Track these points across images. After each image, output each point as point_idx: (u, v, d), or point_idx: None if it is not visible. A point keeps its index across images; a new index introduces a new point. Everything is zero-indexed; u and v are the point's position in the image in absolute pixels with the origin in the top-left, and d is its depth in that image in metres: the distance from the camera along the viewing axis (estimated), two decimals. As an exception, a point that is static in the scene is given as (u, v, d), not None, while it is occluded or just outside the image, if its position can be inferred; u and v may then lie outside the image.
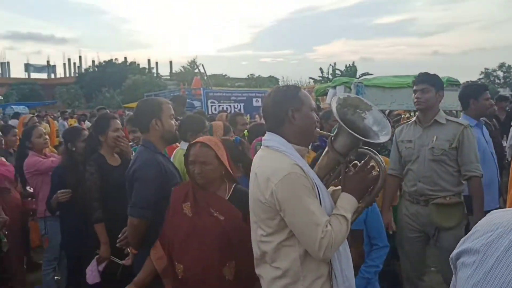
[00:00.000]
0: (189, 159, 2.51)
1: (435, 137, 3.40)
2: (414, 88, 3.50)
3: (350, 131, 1.92)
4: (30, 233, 4.64)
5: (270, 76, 53.91)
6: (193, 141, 2.58)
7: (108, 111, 8.64)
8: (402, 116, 7.83)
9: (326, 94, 7.57)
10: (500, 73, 65.96)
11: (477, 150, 3.45)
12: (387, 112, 8.01)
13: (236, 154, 3.18)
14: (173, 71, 62.17)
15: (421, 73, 3.54)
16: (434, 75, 3.51)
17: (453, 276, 1.07)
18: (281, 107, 1.99)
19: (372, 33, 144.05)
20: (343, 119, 1.97)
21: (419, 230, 3.55)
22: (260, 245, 1.99)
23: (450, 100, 7.10)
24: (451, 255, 1.07)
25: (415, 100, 3.48)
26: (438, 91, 3.44)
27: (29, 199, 4.66)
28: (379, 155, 2.09)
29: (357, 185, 1.99)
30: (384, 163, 2.07)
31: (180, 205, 2.50)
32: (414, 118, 3.63)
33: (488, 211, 3.86)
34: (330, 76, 36.81)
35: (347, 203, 1.94)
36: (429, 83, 3.42)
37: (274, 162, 1.92)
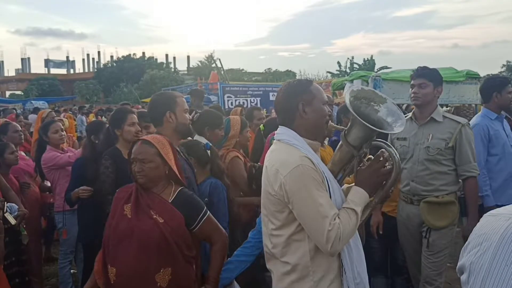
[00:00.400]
0: (130, 157, 2.42)
1: (430, 135, 3.28)
2: (412, 82, 3.38)
3: (362, 121, 1.89)
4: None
5: (287, 70, 53.69)
6: (136, 139, 2.53)
7: (131, 106, 8.73)
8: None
9: (343, 88, 7.51)
10: (523, 66, 64.51)
11: (475, 148, 3.35)
12: (405, 105, 7.92)
13: (204, 156, 3.27)
14: (191, 65, 62.39)
15: (419, 67, 3.41)
16: (434, 69, 3.38)
17: None
18: (292, 101, 1.98)
19: (391, 26, 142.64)
20: (356, 112, 1.94)
21: (416, 232, 3.41)
22: (271, 238, 1.98)
23: (470, 93, 7.00)
24: (456, 267, 1.04)
25: (412, 95, 3.36)
26: (437, 87, 3.30)
27: (47, 193, 4.72)
28: (393, 148, 2.05)
29: (369, 179, 1.96)
30: (398, 156, 2.03)
31: (122, 206, 2.40)
32: (410, 114, 3.46)
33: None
34: (347, 70, 36.49)
35: (358, 196, 1.92)
36: (427, 77, 3.29)
37: (284, 154, 1.91)
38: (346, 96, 2.02)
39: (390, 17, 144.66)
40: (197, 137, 3.76)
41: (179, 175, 2.47)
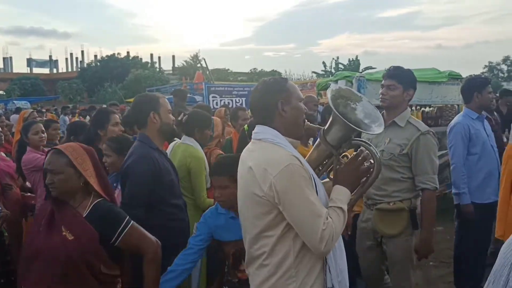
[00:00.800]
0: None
1: (388, 139, 3.14)
2: (382, 82, 3.26)
3: (345, 120, 1.90)
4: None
5: (272, 70, 53.77)
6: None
7: (119, 106, 8.64)
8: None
9: (327, 88, 7.54)
10: (504, 67, 65.74)
11: (456, 146, 3.25)
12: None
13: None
14: (176, 65, 62.11)
15: (392, 67, 3.27)
16: (407, 71, 3.24)
17: None
18: (270, 100, 1.96)
19: (376, 26, 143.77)
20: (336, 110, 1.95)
21: (372, 237, 3.26)
22: (257, 241, 1.94)
23: (452, 94, 7.09)
24: None
25: (380, 96, 3.23)
26: (407, 90, 3.14)
27: (28, 194, 4.65)
28: (373, 146, 2.08)
29: (349, 177, 1.97)
30: (379, 154, 2.06)
31: (41, 220, 2.23)
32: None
33: (489, 204, 3.85)
34: (333, 70, 36.66)
35: (342, 194, 1.92)
36: (397, 79, 3.13)
37: (271, 153, 1.88)
38: (328, 95, 2.04)
39: (375, 18, 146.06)
40: (185, 138, 3.75)
41: (98, 186, 2.25)
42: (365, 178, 2.03)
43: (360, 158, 1.98)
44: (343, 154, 2.06)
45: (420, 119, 7.33)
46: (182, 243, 2.70)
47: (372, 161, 2.02)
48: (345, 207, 1.89)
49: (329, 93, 2.03)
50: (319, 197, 1.87)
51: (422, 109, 7.66)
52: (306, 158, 2.09)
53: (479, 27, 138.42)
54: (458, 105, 7.24)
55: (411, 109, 7.70)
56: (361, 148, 2.03)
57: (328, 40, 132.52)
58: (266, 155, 1.89)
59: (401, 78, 3.15)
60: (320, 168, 2.12)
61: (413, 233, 3.12)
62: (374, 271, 3.32)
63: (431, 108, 7.67)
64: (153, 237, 2.35)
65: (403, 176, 3.11)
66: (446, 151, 5.26)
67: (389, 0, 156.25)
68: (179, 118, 3.73)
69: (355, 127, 1.91)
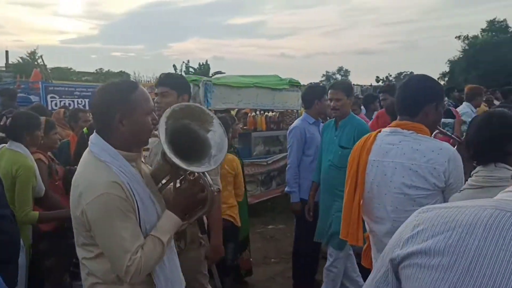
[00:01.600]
0: None
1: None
2: (155, 91, 3.10)
3: (174, 159, 1.74)
4: None
5: (120, 71, 51.72)
6: None
7: None
8: (249, 114, 8.11)
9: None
10: (339, 76, 73.27)
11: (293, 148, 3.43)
12: (235, 110, 8.22)
13: None
14: (10, 61, 55.99)
15: (162, 74, 3.21)
16: (179, 77, 3.25)
17: (380, 273, 1.06)
18: (108, 110, 1.77)
19: (225, 32, 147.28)
20: (175, 131, 1.80)
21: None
22: (82, 250, 1.82)
23: (292, 100, 7.57)
24: (387, 256, 1.05)
25: (156, 105, 2.94)
26: (182, 95, 2.99)
27: None
28: (209, 176, 1.94)
29: (183, 203, 1.87)
30: (213, 186, 1.94)
31: None
32: None
33: (318, 202, 4.02)
34: (183, 74, 36.69)
35: (169, 224, 1.82)
36: (170, 86, 2.98)
37: (91, 175, 1.73)
38: (167, 112, 1.82)
39: (224, 24, 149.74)
40: (11, 144, 3.32)
41: None
42: (201, 206, 1.94)
43: (196, 186, 1.87)
44: (182, 177, 1.95)
45: (264, 123, 7.72)
46: (10, 258, 2.45)
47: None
48: (166, 237, 1.78)
49: (166, 113, 1.82)
50: (147, 221, 1.78)
51: (266, 113, 8.05)
52: (151, 171, 1.99)
53: (318, 39, 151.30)
54: (297, 110, 7.75)
55: (255, 113, 8.05)
56: (198, 175, 1.91)
57: (179, 43, 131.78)
58: (85, 176, 1.75)
59: (174, 85, 3.02)
60: (161, 184, 2.01)
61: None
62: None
63: (273, 113, 8.11)
64: None
65: None
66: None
67: (237, 8, 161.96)
68: (1, 123, 3.30)
69: (181, 165, 1.76)
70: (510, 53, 39.78)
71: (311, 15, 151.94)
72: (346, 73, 75.31)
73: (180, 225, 1.87)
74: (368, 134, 2.53)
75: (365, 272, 3.42)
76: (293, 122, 5.10)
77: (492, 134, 1.95)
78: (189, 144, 1.86)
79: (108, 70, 54.41)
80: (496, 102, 8.22)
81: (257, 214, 6.78)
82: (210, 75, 29.27)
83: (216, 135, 1.90)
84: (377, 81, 52.11)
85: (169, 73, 3.23)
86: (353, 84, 12.23)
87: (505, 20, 47.41)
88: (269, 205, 7.31)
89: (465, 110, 6.32)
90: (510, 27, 46.65)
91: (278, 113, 8.04)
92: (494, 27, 47.45)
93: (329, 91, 3.99)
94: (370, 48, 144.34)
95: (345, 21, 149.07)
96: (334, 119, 4.05)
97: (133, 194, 1.75)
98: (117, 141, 1.79)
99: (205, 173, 1.89)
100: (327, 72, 74.06)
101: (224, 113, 5.56)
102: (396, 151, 2.27)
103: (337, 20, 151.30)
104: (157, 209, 1.86)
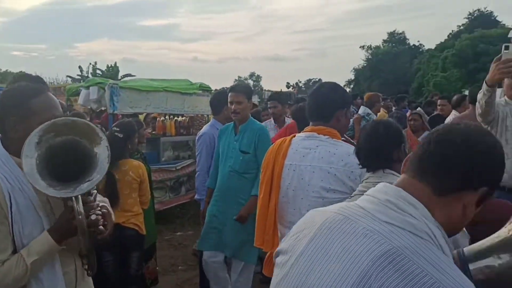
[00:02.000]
0: None
1: None
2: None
3: (29, 177, 1.57)
4: None
5: (21, 71, 48.29)
6: None
7: None
8: (158, 119, 7.95)
9: (78, 94, 7.11)
10: (251, 82, 74.50)
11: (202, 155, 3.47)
12: (144, 114, 8.02)
13: None
14: None
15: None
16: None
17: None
18: (3, 114, 1.71)
19: (137, 34, 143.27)
20: (56, 146, 1.65)
21: None
22: None
23: (203, 104, 7.54)
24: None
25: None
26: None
27: None
28: (81, 203, 1.68)
29: (61, 227, 1.71)
30: (81, 216, 1.67)
31: None
32: None
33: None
34: (90, 76, 35.08)
35: (41, 245, 1.67)
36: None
37: None
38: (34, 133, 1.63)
39: (135, 25, 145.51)
40: None
41: None
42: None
43: (70, 212, 1.68)
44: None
45: (173, 128, 7.61)
46: None
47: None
48: (31, 259, 1.63)
49: (38, 130, 1.63)
50: (24, 235, 1.65)
51: (175, 118, 7.94)
52: None
53: (231, 44, 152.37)
54: (208, 115, 7.74)
55: (164, 118, 7.91)
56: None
57: (86, 43, 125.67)
58: None
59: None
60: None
61: None
62: None
63: (183, 118, 8.02)
64: None
65: None
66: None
67: (149, 9, 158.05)
68: None
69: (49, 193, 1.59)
70: (408, 63, 43.05)
71: (224, 20, 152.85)
72: (258, 78, 76.89)
73: (57, 250, 1.71)
74: (282, 138, 2.58)
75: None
76: (202, 127, 5.10)
77: (380, 142, 2.08)
78: (74, 162, 1.69)
79: (7, 70, 50.58)
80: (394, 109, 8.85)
81: (165, 221, 6.66)
82: (119, 77, 28.40)
83: (100, 157, 1.71)
84: (288, 87, 53.83)
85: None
86: (264, 90, 12.51)
87: (403, 32, 51.24)
88: (178, 211, 7.21)
89: (362, 110, 7.00)
90: (408, 39, 50.48)
91: (188, 118, 7.97)
92: (394, 38, 51.12)
93: (230, 94, 3.87)
94: (282, 54, 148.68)
95: (258, 27, 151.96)
96: (232, 123, 3.96)
97: (11, 204, 1.63)
98: (12, 146, 1.70)
99: (79, 198, 1.67)
100: (239, 77, 75.09)
101: (131, 118, 5.41)
102: (313, 155, 2.33)
103: (250, 26, 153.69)
104: (44, 224, 1.72)
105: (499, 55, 3.00)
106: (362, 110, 7.08)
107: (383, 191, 1.03)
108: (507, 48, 2.98)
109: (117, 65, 38.18)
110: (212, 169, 4.15)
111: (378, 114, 7.11)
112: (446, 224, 0.99)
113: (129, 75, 27.84)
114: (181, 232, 6.60)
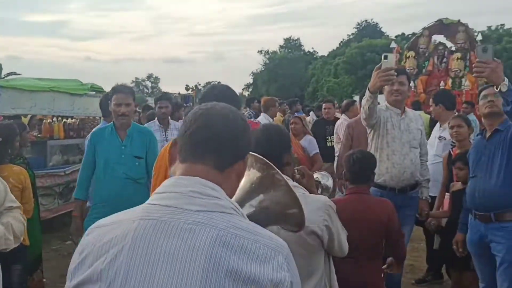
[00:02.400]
0: None
1: None
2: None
3: None
4: None
5: None
6: None
7: None
8: (45, 121, 7.48)
9: None
10: (149, 83, 72.96)
11: None
12: (29, 116, 7.48)
13: None
14: None
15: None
16: None
17: None
18: None
19: (22, 30, 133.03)
20: None
21: None
22: None
23: (94, 106, 7.23)
24: None
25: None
26: None
27: None
28: None
29: None
30: None
31: None
32: None
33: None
34: (-33, 73, 31.98)
35: None
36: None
37: None
38: None
39: (20, 20, 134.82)
40: None
41: None
42: None
43: None
44: None
45: (62, 131, 7.21)
46: None
47: None
48: None
49: None
50: None
51: (64, 120, 7.53)
52: None
53: (127, 44, 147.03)
54: (100, 117, 7.43)
55: (52, 120, 7.46)
56: None
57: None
58: None
59: None
60: None
61: None
62: None
63: (73, 120, 7.65)
64: None
65: None
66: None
67: (36, 3, 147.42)
68: None
69: None
70: (304, 69, 45.09)
71: (119, 19, 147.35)
72: (156, 80, 75.42)
73: None
74: (174, 139, 2.54)
75: None
76: (92, 128, 4.90)
77: (271, 147, 2.14)
78: None
79: None
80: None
81: (53, 230, 6.30)
82: (3, 76, 26.32)
83: None
84: (187, 89, 53.44)
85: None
86: (163, 92, 12.32)
87: (298, 38, 53.55)
88: (67, 219, 6.81)
89: (263, 120, 6.97)
90: (303, 46, 52.89)
91: (78, 120, 7.61)
92: (290, 44, 53.27)
93: (117, 96, 3.58)
94: (180, 56, 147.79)
95: (155, 28, 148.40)
96: (109, 126, 3.71)
97: None
98: None
99: None
100: (136, 78, 72.96)
101: (13, 120, 5.03)
102: None
103: (147, 27, 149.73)
104: None
105: (379, 64, 3.25)
106: (262, 119, 7.13)
107: (182, 184, 1.06)
108: (385, 57, 3.25)
109: (0, 63, 35.28)
110: (79, 179, 3.82)
111: (274, 118, 7.24)
112: (230, 195, 1.13)
113: (14, 73, 25.92)
114: (71, 241, 6.24)
